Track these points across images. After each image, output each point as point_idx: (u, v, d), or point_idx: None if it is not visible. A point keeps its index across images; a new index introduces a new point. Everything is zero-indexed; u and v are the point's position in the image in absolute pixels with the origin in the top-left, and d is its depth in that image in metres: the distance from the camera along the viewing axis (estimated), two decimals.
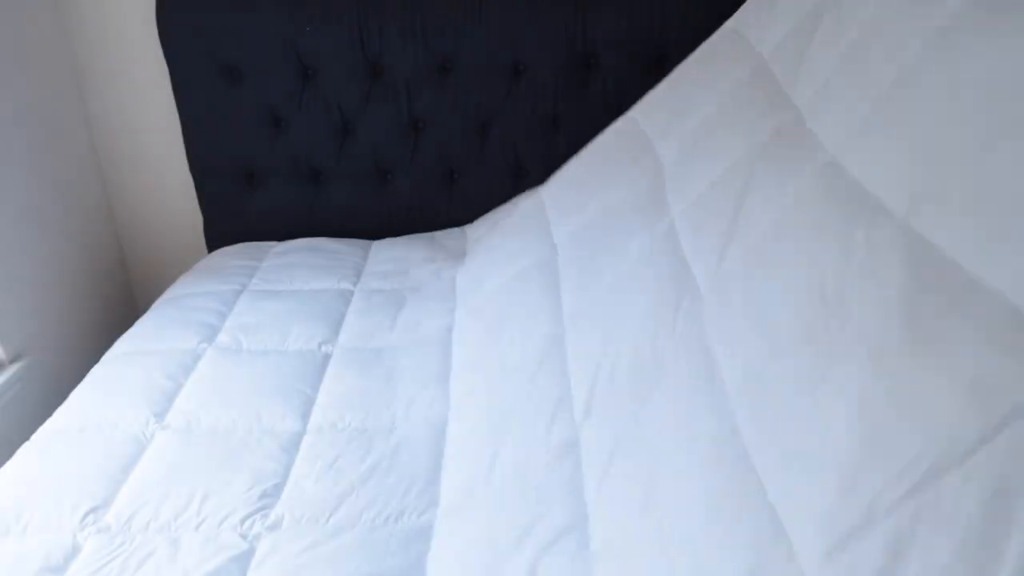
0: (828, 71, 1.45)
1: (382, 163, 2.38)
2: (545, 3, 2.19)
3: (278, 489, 1.48)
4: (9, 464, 1.55)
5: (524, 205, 2.23)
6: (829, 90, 1.42)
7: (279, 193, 2.40)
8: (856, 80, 1.36)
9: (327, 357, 1.86)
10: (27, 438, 1.62)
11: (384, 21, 2.20)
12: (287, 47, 2.23)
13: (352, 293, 2.10)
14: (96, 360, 1.90)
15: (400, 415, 1.64)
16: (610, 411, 1.38)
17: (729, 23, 1.99)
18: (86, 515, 1.41)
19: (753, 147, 1.48)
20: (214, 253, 2.38)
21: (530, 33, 2.22)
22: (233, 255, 2.32)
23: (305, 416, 1.67)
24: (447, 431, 1.59)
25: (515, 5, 2.19)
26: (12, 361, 2.00)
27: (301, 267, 2.21)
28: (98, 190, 2.46)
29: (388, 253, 2.29)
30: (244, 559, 1.33)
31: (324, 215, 2.42)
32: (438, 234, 2.39)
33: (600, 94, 2.29)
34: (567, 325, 1.66)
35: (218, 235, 2.44)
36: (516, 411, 1.52)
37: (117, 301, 2.53)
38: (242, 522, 1.40)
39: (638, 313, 1.47)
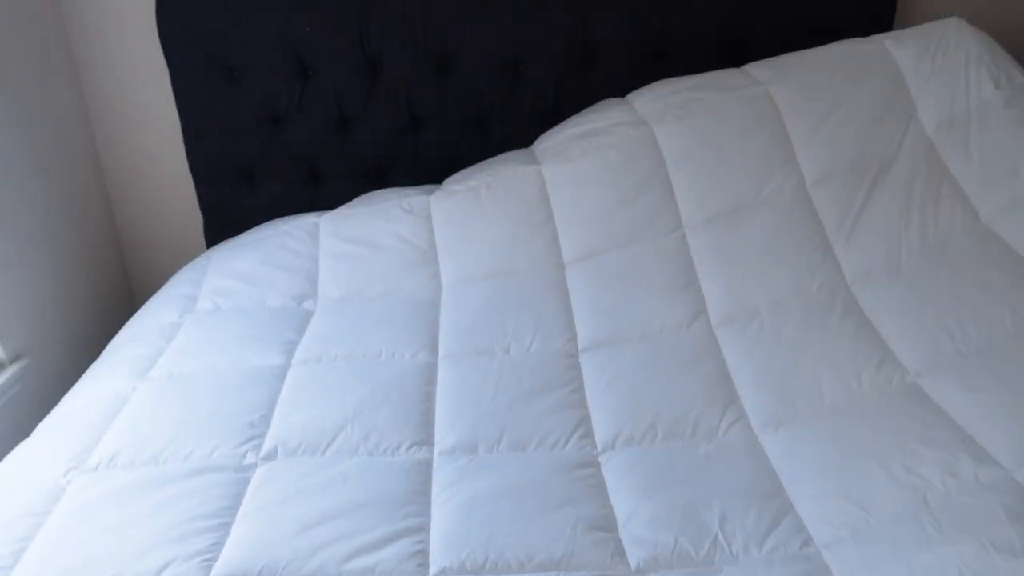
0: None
1: (382, 162, 2.38)
2: (545, 1, 2.20)
3: (265, 420, 1.49)
4: (5, 460, 1.55)
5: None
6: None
7: (279, 192, 2.40)
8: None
9: (309, 313, 1.86)
10: (27, 437, 1.63)
11: (384, 21, 2.20)
12: (287, 47, 2.23)
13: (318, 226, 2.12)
14: (96, 360, 1.91)
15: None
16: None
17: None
18: (68, 461, 1.40)
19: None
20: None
21: (530, 31, 2.22)
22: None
23: (289, 353, 1.69)
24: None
25: (515, 3, 2.19)
26: (12, 361, 2.00)
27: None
28: (98, 190, 2.46)
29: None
30: (239, 485, 1.35)
31: None
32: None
33: (600, 92, 2.29)
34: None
35: (218, 235, 2.44)
36: None
37: (117, 301, 2.53)
38: (233, 452, 1.41)
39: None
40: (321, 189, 2.40)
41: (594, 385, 1.60)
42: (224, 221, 2.43)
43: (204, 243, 2.47)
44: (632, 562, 1.24)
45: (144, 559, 1.22)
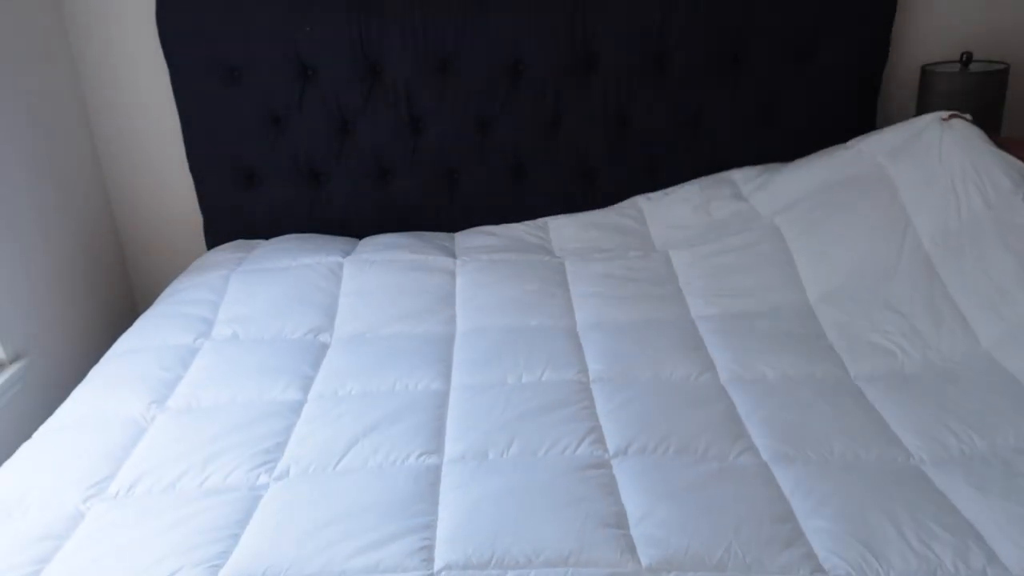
0: None
1: (382, 163, 2.38)
2: (545, 3, 2.20)
3: (280, 447, 1.51)
4: (11, 460, 1.55)
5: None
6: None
7: (279, 193, 2.40)
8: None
9: (325, 346, 1.88)
10: (28, 437, 1.63)
11: (384, 21, 2.21)
12: (287, 47, 2.23)
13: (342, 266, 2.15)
14: (96, 360, 1.91)
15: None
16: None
17: None
18: (89, 488, 1.42)
19: None
20: (207, 253, 2.39)
21: (530, 33, 2.22)
22: (224, 249, 2.35)
23: (305, 389, 1.71)
24: None
25: (515, 5, 2.19)
26: (12, 361, 2.00)
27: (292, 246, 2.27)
28: (98, 190, 2.46)
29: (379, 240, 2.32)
30: (251, 503, 1.36)
31: (324, 215, 2.42)
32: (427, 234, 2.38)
33: (600, 94, 2.29)
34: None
35: (218, 235, 2.44)
36: None
37: (117, 301, 2.53)
38: (247, 475, 1.43)
39: None
40: (321, 189, 2.40)
41: (604, 406, 1.61)
42: (224, 221, 2.43)
43: (204, 243, 2.47)
44: (644, 560, 1.23)
45: (154, 569, 1.24)
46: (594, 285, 2.05)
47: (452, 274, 2.12)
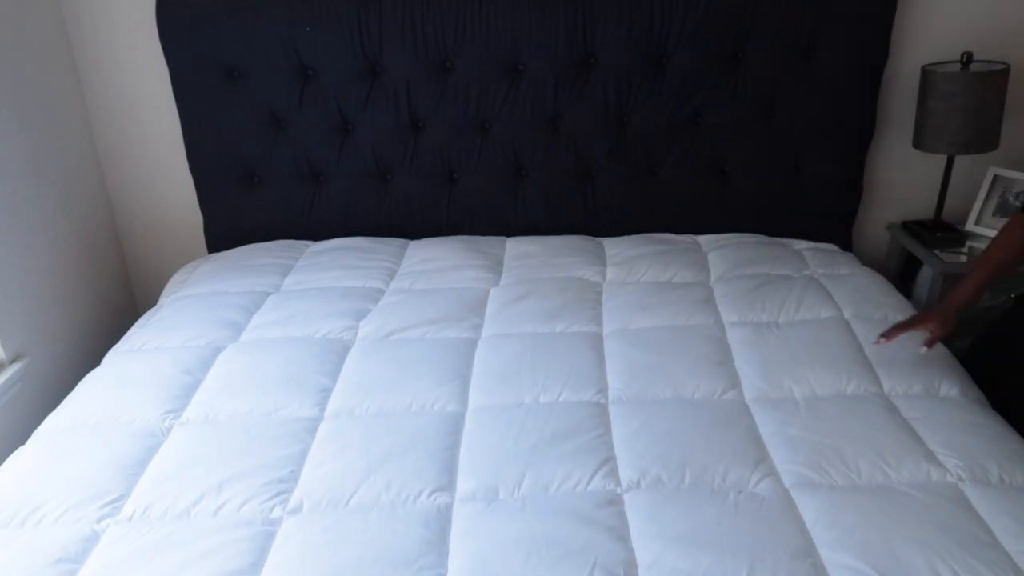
0: None
1: (382, 163, 2.38)
2: (545, 3, 2.20)
3: (294, 475, 1.49)
4: (18, 455, 1.55)
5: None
6: None
7: (279, 193, 2.40)
8: None
9: (348, 346, 1.88)
10: (28, 437, 1.63)
11: (384, 21, 2.21)
12: (287, 47, 2.23)
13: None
14: (96, 360, 1.91)
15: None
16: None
17: None
18: (103, 507, 1.42)
19: None
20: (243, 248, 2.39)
21: (530, 33, 2.22)
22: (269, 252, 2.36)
23: (322, 404, 1.69)
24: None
25: (515, 5, 2.19)
26: (12, 361, 2.00)
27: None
28: (98, 190, 2.46)
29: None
30: (265, 540, 1.35)
31: (324, 215, 2.42)
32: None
33: (600, 94, 2.29)
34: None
35: (218, 235, 2.44)
36: None
37: (117, 301, 2.53)
38: (262, 506, 1.41)
39: None
40: (321, 189, 2.40)
41: (621, 429, 1.58)
42: (224, 221, 2.43)
43: (204, 243, 2.47)
44: None
45: None
46: (627, 293, 2.09)
47: (500, 265, 2.24)
